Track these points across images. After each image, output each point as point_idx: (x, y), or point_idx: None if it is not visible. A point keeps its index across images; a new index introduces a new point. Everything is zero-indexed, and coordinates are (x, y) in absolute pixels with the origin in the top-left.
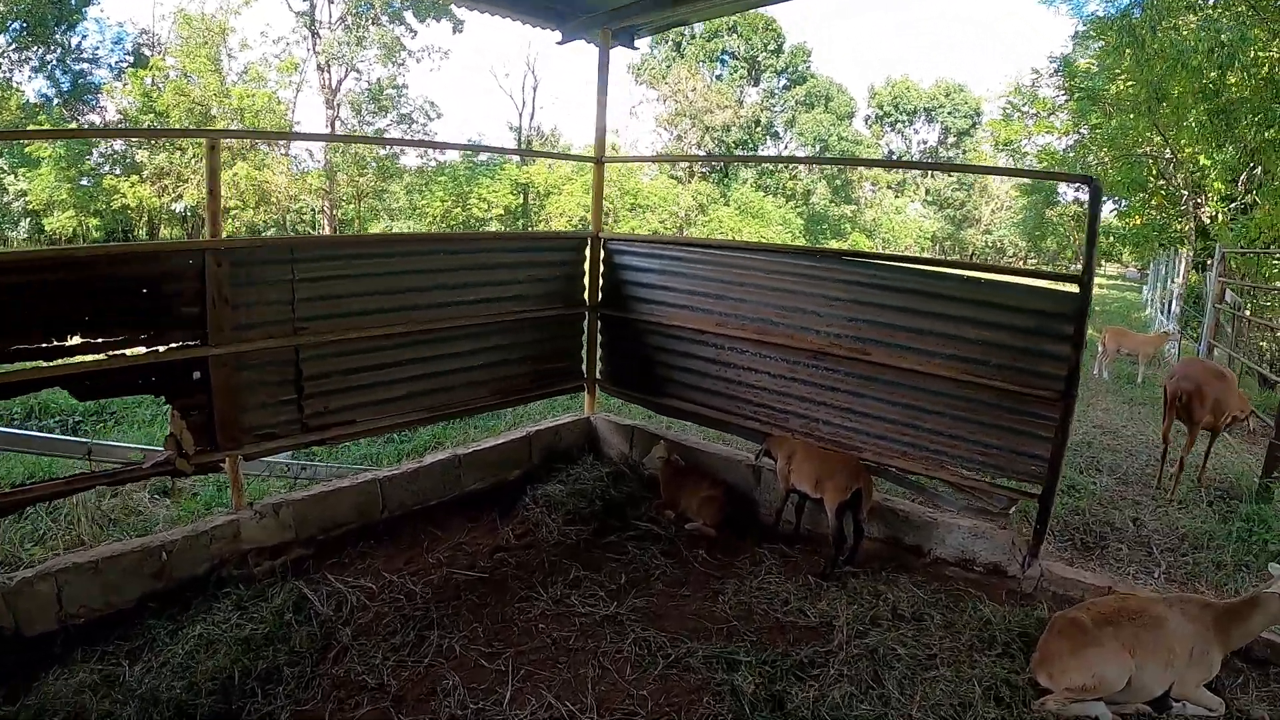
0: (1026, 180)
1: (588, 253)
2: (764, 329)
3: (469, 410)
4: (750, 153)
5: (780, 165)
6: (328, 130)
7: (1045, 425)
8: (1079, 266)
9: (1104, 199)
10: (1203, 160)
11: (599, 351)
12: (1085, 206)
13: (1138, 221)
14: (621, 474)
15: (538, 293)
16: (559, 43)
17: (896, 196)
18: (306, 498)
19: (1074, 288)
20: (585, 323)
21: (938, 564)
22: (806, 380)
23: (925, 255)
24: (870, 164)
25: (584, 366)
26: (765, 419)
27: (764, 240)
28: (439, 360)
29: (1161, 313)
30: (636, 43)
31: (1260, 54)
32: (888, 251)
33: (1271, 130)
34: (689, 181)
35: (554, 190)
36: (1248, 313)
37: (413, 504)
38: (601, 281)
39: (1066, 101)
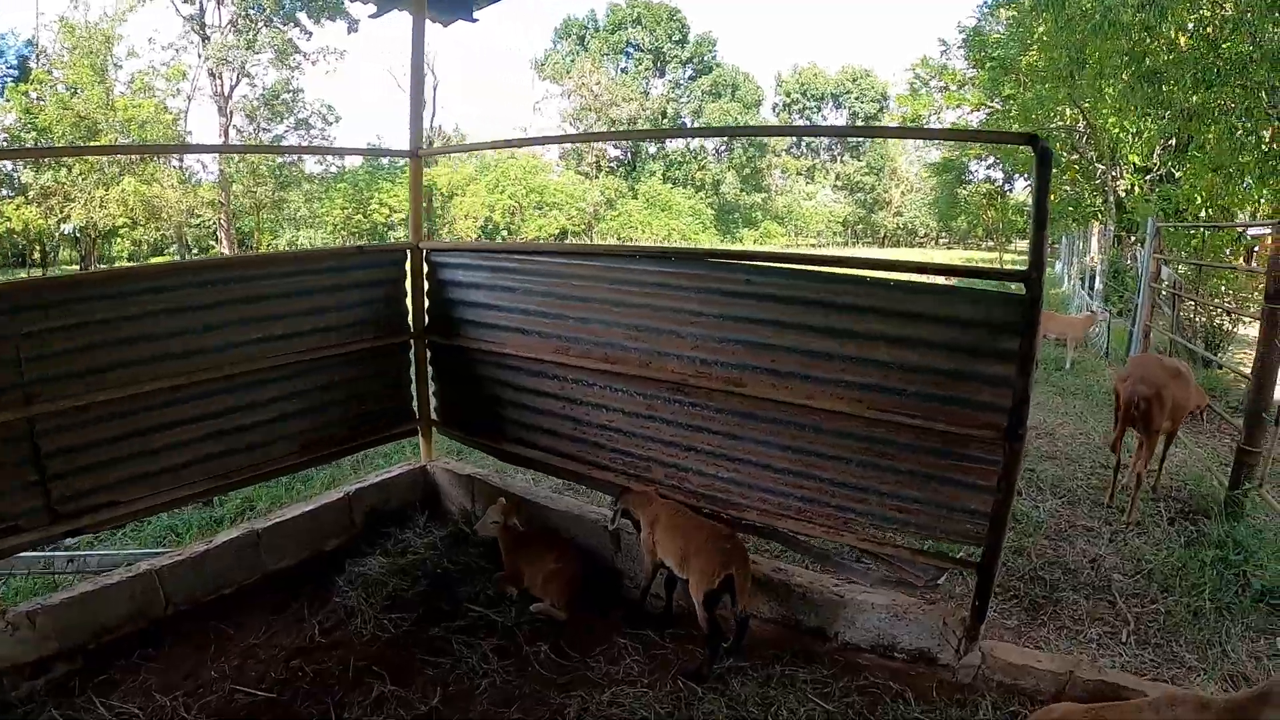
0: (935, 159)
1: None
2: (613, 356)
3: (273, 471)
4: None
5: (689, 158)
6: (221, 140)
7: (984, 472)
8: (992, 244)
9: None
10: (1115, 131)
11: (431, 387)
12: (998, 184)
13: (1051, 197)
14: (460, 537)
15: (350, 321)
16: (373, 16)
17: (808, 183)
18: (67, 600)
19: (1019, 288)
20: (414, 353)
21: (848, 651)
22: (669, 419)
23: (835, 242)
24: (789, 132)
25: (415, 405)
26: (622, 468)
27: (682, 234)
28: (226, 415)
29: (1082, 287)
30: (476, 14)
31: (1192, 14)
32: (769, 249)
33: (1205, 91)
34: (597, 176)
35: (458, 192)
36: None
37: (204, 594)
38: (427, 302)
39: (977, 74)
